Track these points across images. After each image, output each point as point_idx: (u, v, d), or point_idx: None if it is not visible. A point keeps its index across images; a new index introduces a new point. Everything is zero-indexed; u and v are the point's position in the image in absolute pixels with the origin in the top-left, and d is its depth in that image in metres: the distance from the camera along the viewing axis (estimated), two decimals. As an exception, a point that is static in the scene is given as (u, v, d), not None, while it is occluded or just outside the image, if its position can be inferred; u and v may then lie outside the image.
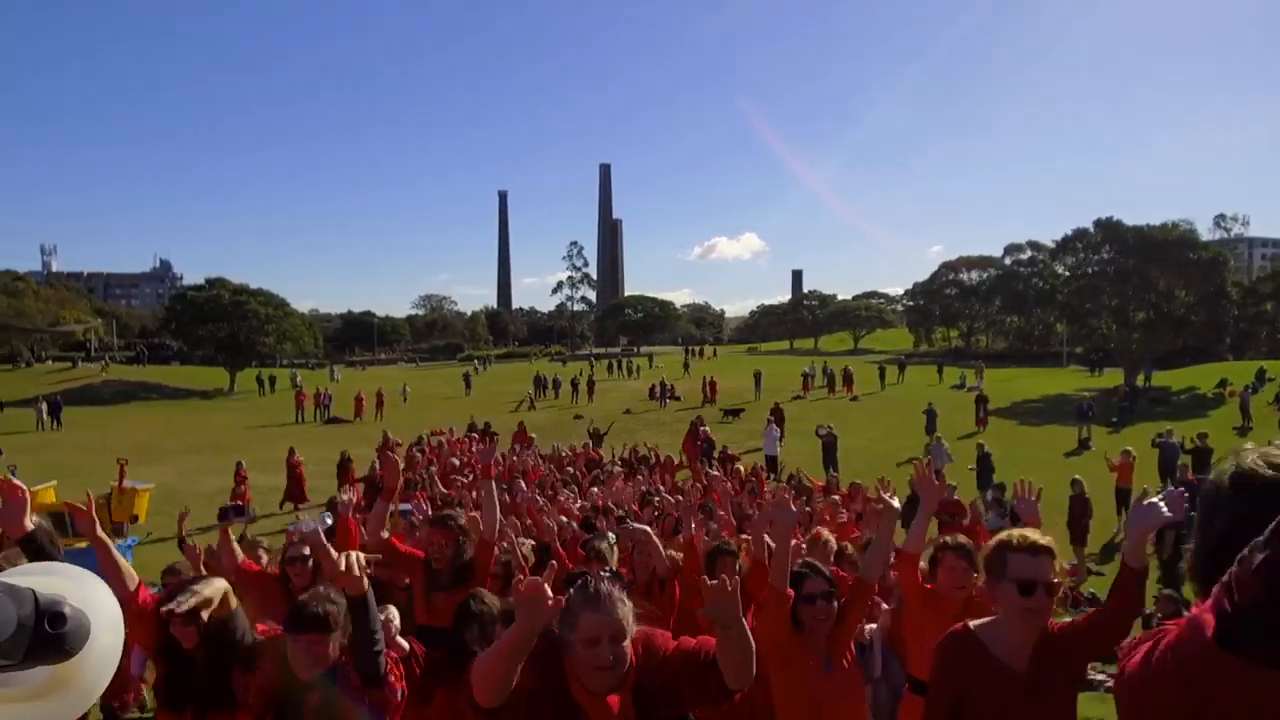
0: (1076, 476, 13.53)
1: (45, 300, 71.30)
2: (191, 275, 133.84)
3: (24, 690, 1.18)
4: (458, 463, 14.63)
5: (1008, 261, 70.56)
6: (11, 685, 1.13)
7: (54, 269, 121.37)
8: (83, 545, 9.92)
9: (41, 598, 1.07)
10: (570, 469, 13.87)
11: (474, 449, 17.68)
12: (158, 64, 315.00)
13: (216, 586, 3.22)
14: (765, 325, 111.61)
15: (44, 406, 33.51)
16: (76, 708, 1.47)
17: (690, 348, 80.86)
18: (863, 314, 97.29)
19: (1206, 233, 59.46)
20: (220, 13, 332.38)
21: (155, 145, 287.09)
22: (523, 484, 10.61)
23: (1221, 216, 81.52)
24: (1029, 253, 67.93)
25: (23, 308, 63.81)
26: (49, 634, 1.08)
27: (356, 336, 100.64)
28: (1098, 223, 43.22)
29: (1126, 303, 41.34)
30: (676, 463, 17.98)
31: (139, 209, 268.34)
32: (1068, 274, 46.98)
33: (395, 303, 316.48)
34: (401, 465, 17.38)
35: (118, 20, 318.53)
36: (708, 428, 22.84)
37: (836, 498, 9.86)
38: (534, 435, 22.47)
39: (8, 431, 31.25)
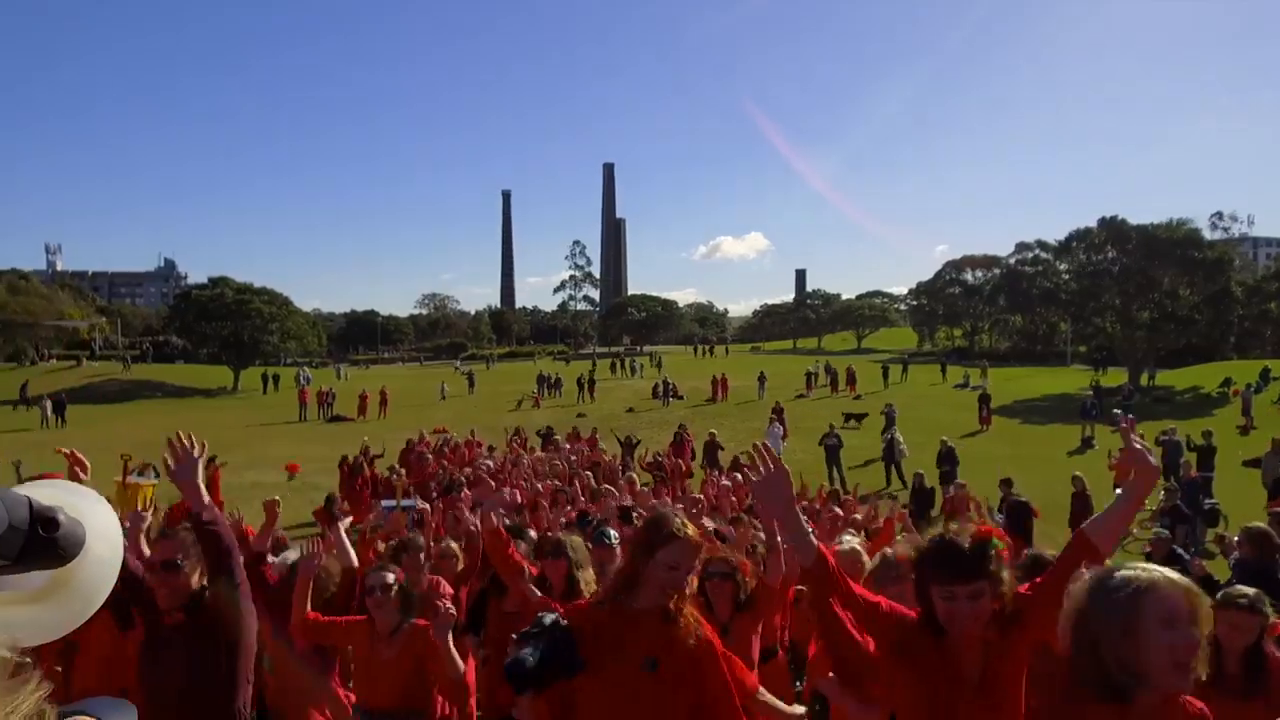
0: (1077, 474, 13.52)
1: (49, 299, 71.43)
2: (196, 274, 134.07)
3: (23, 594, 1.21)
4: (491, 465, 14.06)
5: (1012, 260, 70.48)
6: (10, 588, 1.17)
7: (59, 268, 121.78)
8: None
9: (36, 504, 1.11)
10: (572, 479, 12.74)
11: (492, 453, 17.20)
12: (162, 62, 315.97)
13: None
14: (769, 325, 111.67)
15: (48, 404, 33.60)
16: (77, 613, 1.49)
17: (700, 347, 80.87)
18: (866, 313, 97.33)
19: (1208, 232, 59.29)
20: (224, 11, 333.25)
21: (159, 144, 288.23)
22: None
23: (1219, 215, 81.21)
24: (1034, 251, 67.86)
25: (27, 306, 63.95)
26: (42, 538, 1.11)
27: (360, 335, 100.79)
28: (1102, 221, 43.12)
29: (1130, 302, 41.26)
30: (685, 469, 17.61)
31: (143, 208, 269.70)
32: (1071, 273, 46.86)
33: (399, 302, 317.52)
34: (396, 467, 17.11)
35: (121, 18, 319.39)
36: (716, 431, 22.59)
37: (856, 517, 9.31)
38: (548, 437, 22.34)
39: (13, 429, 31.35)
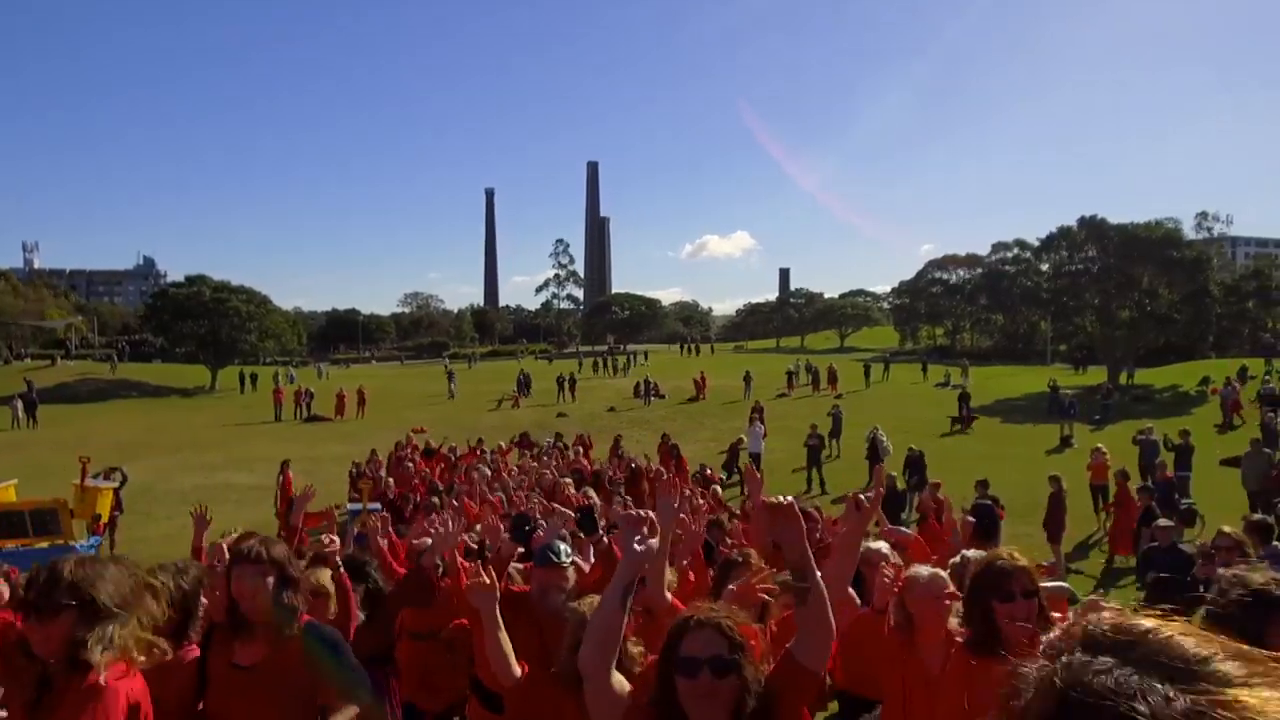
0: (1054, 474, 13.49)
1: (25, 297, 70.53)
2: (176, 272, 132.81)
3: None
4: (488, 471, 12.99)
5: (993, 260, 70.86)
6: None
7: (36, 266, 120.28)
8: (44, 545, 9.68)
9: None
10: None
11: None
12: (141, 59, 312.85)
13: None
14: (752, 324, 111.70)
15: (19, 404, 33.05)
16: None
17: (687, 346, 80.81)
18: (849, 312, 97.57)
19: (1191, 232, 59.61)
20: (205, 7, 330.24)
21: (139, 141, 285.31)
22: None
23: (1204, 215, 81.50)
24: (1015, 250, 68.15)
25: (2, 305, 63.10)
26: None
27: (341, 334, 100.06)
28: (1082, 221, 43.29)
29: (1110, 301, 41.45)
30: (708, 471, 16.50)
31: (122, 206, 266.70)
32: (1051, 272, 47.09)
33: (382, 301, 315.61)
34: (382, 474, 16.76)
35: (101, 16, 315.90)
36: (744, 438, 22.17)
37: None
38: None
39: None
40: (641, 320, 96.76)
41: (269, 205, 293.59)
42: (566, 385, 39.01)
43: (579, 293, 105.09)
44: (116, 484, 12.91)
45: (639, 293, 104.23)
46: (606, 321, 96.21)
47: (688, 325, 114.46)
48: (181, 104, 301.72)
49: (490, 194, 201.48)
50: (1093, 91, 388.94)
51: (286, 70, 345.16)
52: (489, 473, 12.83)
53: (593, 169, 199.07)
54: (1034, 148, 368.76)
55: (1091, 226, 42.77)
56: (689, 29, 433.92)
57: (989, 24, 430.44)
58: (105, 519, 11.82)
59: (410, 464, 17.19)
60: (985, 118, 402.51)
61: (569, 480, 12.32)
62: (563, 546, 3.97)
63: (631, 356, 61.86)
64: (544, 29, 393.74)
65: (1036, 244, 50.00)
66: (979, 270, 74.76)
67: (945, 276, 79.63)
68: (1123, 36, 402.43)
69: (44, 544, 9.34)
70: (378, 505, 10.06)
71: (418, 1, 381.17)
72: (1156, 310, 40.43)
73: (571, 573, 3.92)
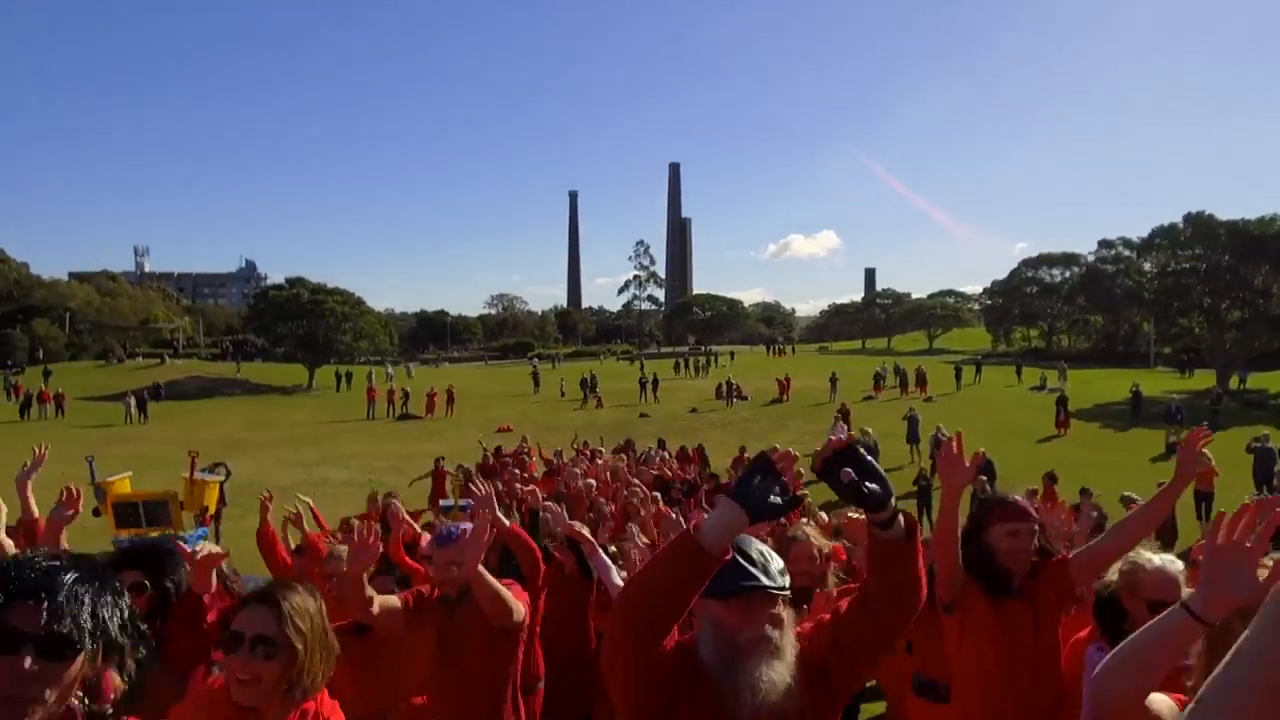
0: (1162, 482, 12.83)
1: (136, 299, 74.39)
2: (275, 275, 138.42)
3: None
4: (593, 484, 11.17)
5: (1092, 258, 68.10)
6: None
7: (146, 269, 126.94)
8: (155, 535, 10.12)
9: None
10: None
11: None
12: (243, 80, 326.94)
13: None
14: (837, 324, 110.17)
15: (132, 400, 35.04)
16: None
17: (772, 347, 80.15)
18: (938, 313, 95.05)
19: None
20: (300, 23, 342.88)
21: (241, 150, 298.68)
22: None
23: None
24: (1116, 249, 65.35)
25: (116, 307, 66.68)
26: None
27: (430, 335, 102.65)
28: (1188, 217, 41.29)
29: (1219, 301, 39.46)
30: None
31: (226, 212, 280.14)
32: (1155, 271, 45.04)
33: (468, 302, 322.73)
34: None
35: (201, 34, 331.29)
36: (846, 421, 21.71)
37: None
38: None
39: (98, 424, 32.70)
40: (723, 321, 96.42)
41: (363, 210, 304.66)
42: (649, 386, 39.07)
43: (660, 294, 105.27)
44: (221, 478, 13.45)
45: (720, 293, 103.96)
46: (687, 322, 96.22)
47: (770, 326, 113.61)
48: (280, 117, 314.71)
49: (574, 196, 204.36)
50: (1196, 85, 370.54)
51: (379, 82, 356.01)
52: (594, 484, 11.21)
53: (674, 170, 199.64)
54: (1135, 144, 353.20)
55: (1199, 223, 40.72)
56: (772, 28, 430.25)
57: (1074, 15, 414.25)
58: (211, 511, 12.33)
59: (518, 469, 15.71)
60: (1080, 114, 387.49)
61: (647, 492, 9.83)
62: (768, 554, 1.87)
63: (713, 357, 61.58)
64: (626, 32, 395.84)
65: (1139, 242, 47.86)
66: (1075, 269, 72.05)
67: (1040, 276, 76.84)
68: (1230, 29, 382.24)
69: (155, 534, 9.78)
70: (469, 502, 10.22)
71: (500, 8, 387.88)
72: (1270, 311, 38.34)
73: (785, 611, 1.86)
